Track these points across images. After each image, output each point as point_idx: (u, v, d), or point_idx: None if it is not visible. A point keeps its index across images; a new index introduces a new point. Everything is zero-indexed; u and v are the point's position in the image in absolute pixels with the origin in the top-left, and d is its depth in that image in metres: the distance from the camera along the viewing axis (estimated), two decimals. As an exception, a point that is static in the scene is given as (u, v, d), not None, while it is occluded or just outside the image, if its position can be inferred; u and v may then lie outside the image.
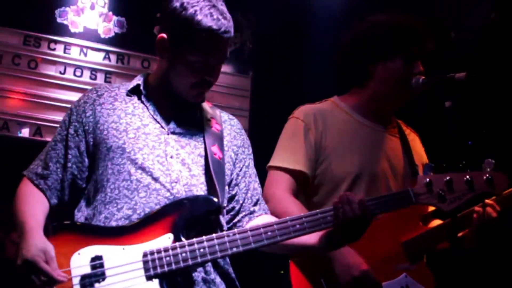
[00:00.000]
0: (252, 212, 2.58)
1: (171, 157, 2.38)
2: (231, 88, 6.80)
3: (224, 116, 2.67)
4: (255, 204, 2.61)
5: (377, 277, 2.73)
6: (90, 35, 6.30)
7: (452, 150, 2.36)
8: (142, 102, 2.50)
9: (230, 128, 2.64)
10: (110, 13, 6.42)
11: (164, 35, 2.42)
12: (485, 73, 4.41)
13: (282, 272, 3.19)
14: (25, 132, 5.86)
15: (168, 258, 2.17)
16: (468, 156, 2.36)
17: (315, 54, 6.47)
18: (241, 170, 2.59)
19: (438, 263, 3.06)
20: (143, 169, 2.33)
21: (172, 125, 2.47)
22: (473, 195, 2.27)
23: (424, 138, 3.36)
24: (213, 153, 2.44)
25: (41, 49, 6.09)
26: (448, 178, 2.28)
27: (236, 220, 2.56)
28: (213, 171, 2.38)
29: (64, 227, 2.30)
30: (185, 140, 2.45)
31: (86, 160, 2.45)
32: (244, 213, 2.57)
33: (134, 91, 2.52)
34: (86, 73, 6.21)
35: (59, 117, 5.92)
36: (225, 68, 6.84)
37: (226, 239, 2.22)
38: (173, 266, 2.17)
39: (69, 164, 2.44)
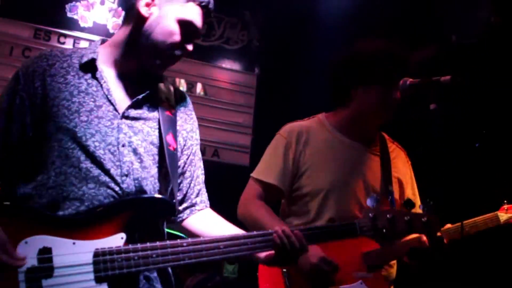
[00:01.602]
0: (193, 205, 2.52)
1: (123, 145, 2.26)
2: (236, 85, 6.89)
3: (177, 94, 2.55)
4: (197, 195, 2.54)
5: (336, 280, 3.00)
6: (99, 30, 6.40)
7: (436, 153, 2.44)
8: (96, 78, 2.32)
9: (183, 110, 2.54)
10: (120, 8, 6.53)
11: None
12: (485, 76, 4.48)
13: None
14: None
15: (119, 262, 2.09)
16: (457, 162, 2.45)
17: (321, 53, 6.51)
18: (188, 158, 2.51)
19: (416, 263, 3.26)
20: (94, 158, 2.20)
21: (126, 108, 2.32)
22: (410, 234, 2.52)
23: (409, 144, 3.52)
24: (168, 145, 2.35)
25: (51, 42, 6.20)
26: (390, 216, 2.40)
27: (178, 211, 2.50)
28: (169, 166, 2.33)
29: (8, 208, 2.13)
30: (139, 126, 2.33)
31: (30, 134, 2.24)
32: (185, 205, 2.51)
33: (87, 65, 2.34)
34: (94, 67, 6.29)
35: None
36: (231, 65, 6.93)
37: (179, 249, 2.17)
38: (125, 271, 2.10)
39: (12, 138, 2.25)
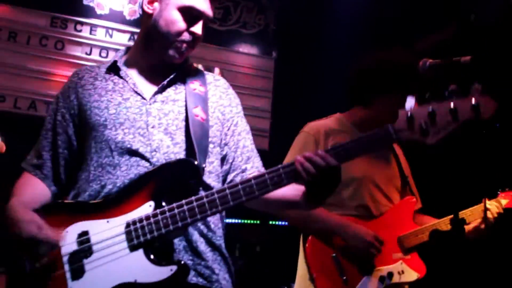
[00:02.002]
0: (243, 171, 2.55)
1: (153, 127, 2.38)
2: (254, 69, 6.86)
3: (210, 77, 2.65)
4: (247, 162, 2.57)
5: (377, 262, 3.25)
6: (115, 16, 6.42)
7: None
8: (121, 77, 2.51)
9: (215, 89, 2.60)
10: (135, -6, 6.51)
11: None
12: (503, 57, 4.41)
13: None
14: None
15: (150, 226, 2.18)
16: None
17: (337, 36, 6.48)
18: (229, 129, 2.56)
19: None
20: (123, 142, 2.35)
21: (153, 95, 2.46)
22: (458, 124, 2.06)
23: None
24: (194, 115, 2.42)
25: (67, 30, 6.24)
26: (431, 109, 2.08)
27: (229, 179, 2.54)
28: (193, 133, 2.37)
29: (50, 207, 2.35)
30: (168, 107, 2.44)
31: (75, 143, 2.49)
32: (236, 172, 2.54)
33: (112, 68, 2.54)
34: (112, 54, 6.27)
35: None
36: (248, 49, 6.90)
37: (205, 200, 2.20)
38: (155, 233, 2.18)
39: (60, 150, 2.50)
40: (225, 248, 2.48)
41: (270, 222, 6.42)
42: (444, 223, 3.38)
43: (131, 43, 6.35)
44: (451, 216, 3.07)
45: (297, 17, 6.75)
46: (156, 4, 2.47)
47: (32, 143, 5.52)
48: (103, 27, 6.35)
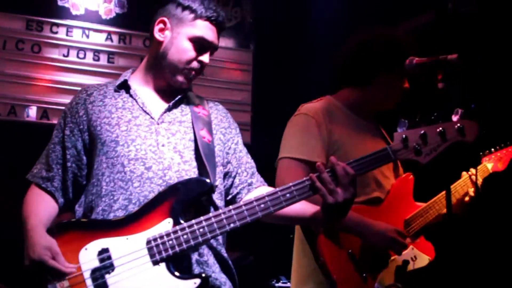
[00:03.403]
0: (250, 184, 2.70)
1: (163, 145, 2.50)
2: (232, 63, 6.85)
3: (210, 103, 2.81)
4: (252, 177, 2.72)
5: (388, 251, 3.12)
6: (91, 16, 6.34)
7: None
8: (130, 96, 2.63)
9: (217, 113, 2.77)
10: (110, -7, 6.45)
11: (165, 18, 2.63)
12: (486, 47, 4.44)
13: (291, 236, 3.33)
14: (32, 113, 5.94)
15: (171, 242, 2.28)
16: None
17: (315, 26, 6.50)
18: (230, 148, 2.70)
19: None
20: (136, 159, 2.46)
21: (161, 115, 2.58)
22: (447, 145, 2.36)
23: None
24: (202, 137, 2.56)
25: (43, 33, 6.15)
26: (422, 132, 2.36)
27: (234, 193, 2.68)
28: (203, 154, 2.49)
29: (68, 225, 2.39)
30: (175, 128, 2.57)
31: (84, 158, 2.58)
32: (242, 185, 2.68)
33: (122, 87, 2.66)
34: (89, 55, 6.28)
35: (65, 99, 6.00)
36: (226, 43, 6.86)
37: (223, 216, 2.32)
38: (177, 249, 2.28)
39: (69, 164, 2.56)
40: (229, 259, 2.59)
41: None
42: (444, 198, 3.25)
43: (108, 42, 6.36)
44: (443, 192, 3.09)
45: (274, 8, 6.74)
46: (167, 33, 2.61)
47: (14, 149, 5.53)
48: (79, 27, 6.27)
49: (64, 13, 6.25)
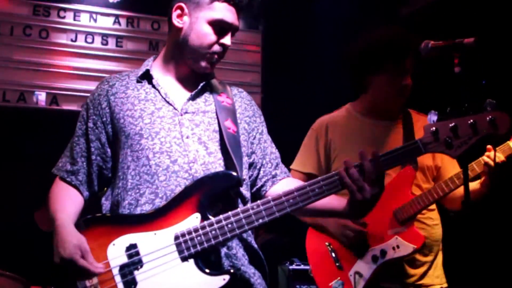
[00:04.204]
0: (274, 176, 2.66)
1: (187, 137, 2.46)
2: (241, 44, 6.76)
3: (234, 90, 2.76)
4: (276, 168, 2.69)
5: (372, 242, 3.29)
6: (98, 0, 6.29)
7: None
8: (153, 86, 2.59)
9: (241, 101, 2.72)
10: (117, -24, 6.39)
11: (182, 3, 2.57)
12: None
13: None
14: (41, 99, 5.93)
15: (199, 238, 2.26)
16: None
17: (326, 6, 6.44)
18: (255, 138, 2.67)
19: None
20: (161, 152, 2.42)
21: (184, 106, 2.54)
22: (478, 138, 2.29)
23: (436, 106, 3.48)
24: (227, 128, 2.52)
25: (51, 18, 6.11)
26: (453, 124, 2.30)
27: (259, 185, 2.65)
28: (229, 146, 2.46)
29: (95, 220, 2.37)
30: (199, 118, 2.53)
31: (108, 150, 2.56)
32: (266, 178, 2.65)
33: (144, 77, 2.61)
34: (97, 39, 6.25)
35: (74, 85, 6.03)
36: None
37: (251, 211, 2.29)
38: (205, 245, 2.26)
39: (93, 157, 2.55)
40: (259, 249, 2.56)
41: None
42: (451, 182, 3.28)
43: (116, 26, 6.32)
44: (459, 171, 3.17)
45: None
46: (185, 18, 2.56)
47: (25, 135, 5.53)
48: (87, 12, 6.23)
49: (71, -3, 6.19)
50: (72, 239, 2.25)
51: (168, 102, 2.54)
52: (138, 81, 2.61)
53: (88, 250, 2.24)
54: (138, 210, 2.38)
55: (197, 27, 2.53)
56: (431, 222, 3.41)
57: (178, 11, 2.57)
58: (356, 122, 3.55)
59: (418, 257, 3.33)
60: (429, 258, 3.37)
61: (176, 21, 2.57)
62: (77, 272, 2.23)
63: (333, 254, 3.36)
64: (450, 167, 3.43)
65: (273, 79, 6.73)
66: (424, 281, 3.34)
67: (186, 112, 2.53)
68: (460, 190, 3.31)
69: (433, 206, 3.43)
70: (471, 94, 2.34)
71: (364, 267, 3.28)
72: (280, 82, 6.60)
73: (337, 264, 3.33)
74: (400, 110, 3.56)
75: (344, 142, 3.49)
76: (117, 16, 6.35)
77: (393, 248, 3.25)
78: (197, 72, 2.61)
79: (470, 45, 2.53)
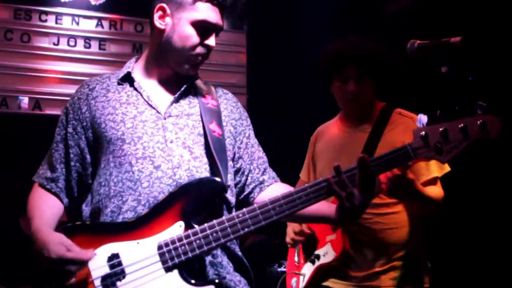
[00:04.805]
0: (262, 182, 2.61)
1: (171, 141, 2.39)
2: (226, 45, 6.71)
3: (219, 91, 2.69)
4: (263, 173, 2.63)
5: (318, 246, 3.42)
6: (80, 3, 6.21)
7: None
8: (135, 89, 2.51)
9: (226, 103, 2.65)
10: (98, -22, 6.33)
11: (163, 4, 2.48)
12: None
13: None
14: (24, 104, 5.86)
15: (183, 247, 2.21)
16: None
17: (310, 5, 6.41)
18: (242, 142, 2.61)
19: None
20: (144, 158, 2.35)
21: (168, 109, 2.47)
22: (469, 143, 2.21)
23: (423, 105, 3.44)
24: (212, 131, 2.45)
25: (32, 21, 6.04)
26: (443, 128, 2.22)
27: (247, 192, 2.60)
28: (213, 150, 2.40)
29: (75, 228, 2.31)
30: (183, 122, 2.46)
31: (88, 156, 2.48)
32: (254, 184, 2.60)
33: (125, 79, 2.54)
34: (80, 42, 6.18)
35: (56, 89, 5.98)
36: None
37: (236, 220, 2.24)
38: (190, 254, 2.21)
39: (72, 163, 2.48)
40: (244, 257, 2.51)
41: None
42: None
43: (99, 28, 6.25)
44: None
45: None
46: (168, 19, 2.47)
47: (8, 141, 5.45)
48: (69, 15, 6.15)
49: (52, 0, 6.13)
50: (52, 239, 2.20)
51: (151, 106, 2.46)
52: (119, 83, 2.53)
53: (71, 242, 2.18)
54: (120, 218, 2.31)
55: (180, 28, 2.44)
56: (380, 227, 3.27)
57: (160, 12, 2.48)
58: (335, 130, 3.63)
59: (362, 259, 3.27)
60: (382, 261, 3.25)
61: (158, 23, 2.48)
62: (68, 266, 2.15)
63: (297, 251, 3.60)
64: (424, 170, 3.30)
65: (258, 80, 6.69)
66: (374, 283, 3.25)
67: (169, 116, 2.45)
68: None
69: (389, 210, 3.29)
70: (459, 93, 2.31)
71: (307, 268, 3.45)
72: (266, 83, 6.57)
73: (295, 259, 3.59)
74: (373, 113, 3.49)
75: (322, 150, 3.63)
76: (99, 19, 6.29)
77: (324, 255, 3.35)
78: (181, 74, 2.53)
79: (457, 44, 2.49)
